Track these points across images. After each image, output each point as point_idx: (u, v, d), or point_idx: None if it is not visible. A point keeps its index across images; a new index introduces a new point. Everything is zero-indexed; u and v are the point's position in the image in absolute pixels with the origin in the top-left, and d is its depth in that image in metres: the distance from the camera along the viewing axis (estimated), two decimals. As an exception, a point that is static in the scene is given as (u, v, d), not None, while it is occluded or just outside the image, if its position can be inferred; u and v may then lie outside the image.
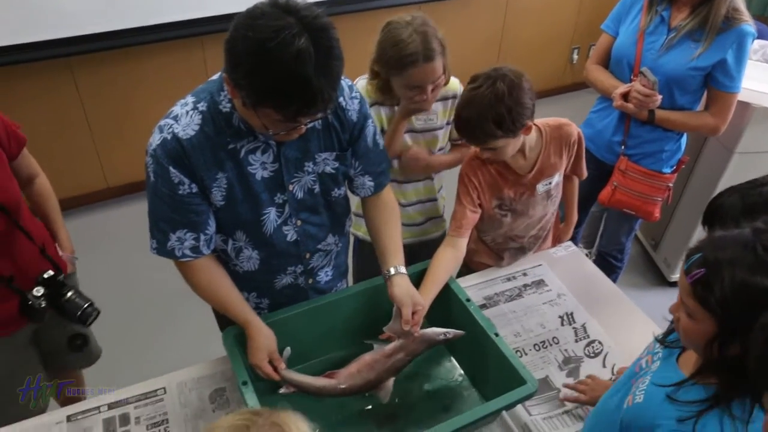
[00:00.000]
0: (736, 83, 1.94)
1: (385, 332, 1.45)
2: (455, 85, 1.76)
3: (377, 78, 1.66)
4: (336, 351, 1.57)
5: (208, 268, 1.38)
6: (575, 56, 4.44)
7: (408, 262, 1.52)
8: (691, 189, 2.73)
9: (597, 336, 1.67)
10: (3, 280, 1.48)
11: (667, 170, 2.17)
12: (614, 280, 2.41)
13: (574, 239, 2.11)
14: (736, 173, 2.49)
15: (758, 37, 2.12)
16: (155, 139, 1.23)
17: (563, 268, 1.88)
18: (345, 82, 1.35)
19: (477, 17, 3.92)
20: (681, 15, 1.93)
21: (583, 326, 1.70)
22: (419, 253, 1.83)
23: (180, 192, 1.25)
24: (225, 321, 1.45)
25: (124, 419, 1.43)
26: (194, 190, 1.26)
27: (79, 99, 3.07)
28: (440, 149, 1.84)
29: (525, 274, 1.86)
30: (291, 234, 1.42)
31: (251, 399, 1.27)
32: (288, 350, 1.46)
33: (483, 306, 1.74)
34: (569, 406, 1.49)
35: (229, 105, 1.22)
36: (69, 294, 1.58)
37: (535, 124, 1.65)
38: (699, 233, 2.71)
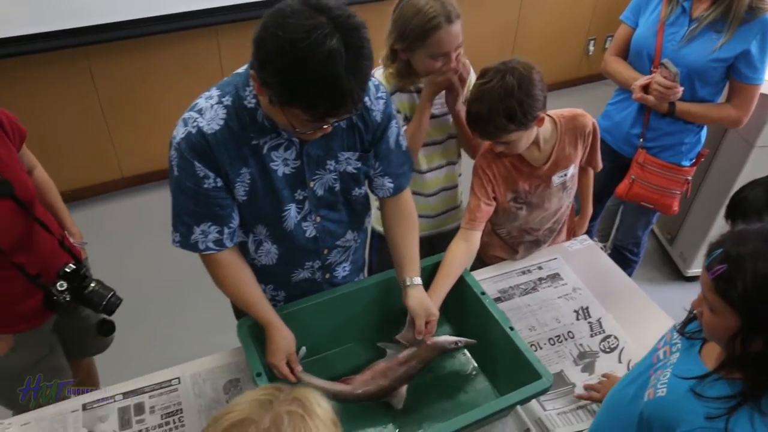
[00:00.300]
0: (760, 75, 1.90)
1: (398, 340, 1.47)
2: (467, 65, 1.74)
3: (396, 61, 1.64)
4: (349, 343, 1.57)
5: (234, 264, 1.37)
6: (591, 47, 4.38)
7: (426, 254, 1.52)
8: (709, 182, 2.69)
9: (613, 331, 1.66)
10: (30, 277, 1.48)
11: (687, 163, 2.14)
12: (630, 275, 2.38)
13: (589, 233, 2.09)
14: (756, 167, 2.45)
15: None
16: (179, 132, 1.22)
17: (579, 262, 1.86)
18: (372, 81, 1.31)
19: (491, 7, 3.88)
20: (703, 5, 1.89)
21: (599, 321, 1.68)
22: (438, 245, 1.82)
23: (205, 186, 1.24)
24: (241, 311, 1.45)
25: (139, 408, 1.44)
26: (219, 184, 1.25)
27: (95, 89, 3.08)
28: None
29: (540, 268, 1.84)
30: (310, 230, 1.41)
31: (265, 390, 1.27)
32: (303, 350, 1.47)
33: (498, 299, 1.73)
34: (584, 401, 1.48)
35: (254, 101, 1.21)
36: (92, 285, 1.59)
37: (549, 116, 1.63)
38: (716, 227, 2.67)
